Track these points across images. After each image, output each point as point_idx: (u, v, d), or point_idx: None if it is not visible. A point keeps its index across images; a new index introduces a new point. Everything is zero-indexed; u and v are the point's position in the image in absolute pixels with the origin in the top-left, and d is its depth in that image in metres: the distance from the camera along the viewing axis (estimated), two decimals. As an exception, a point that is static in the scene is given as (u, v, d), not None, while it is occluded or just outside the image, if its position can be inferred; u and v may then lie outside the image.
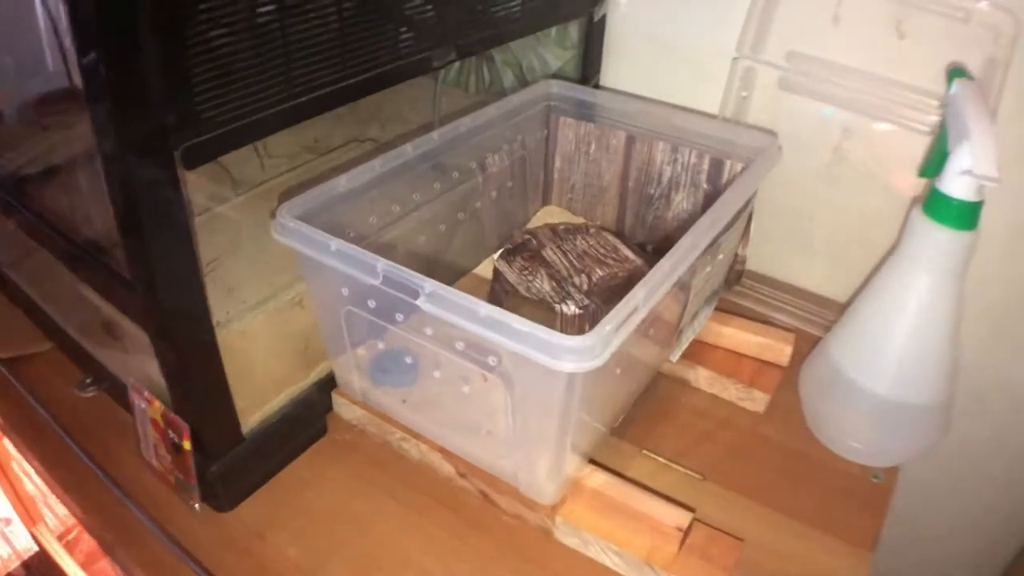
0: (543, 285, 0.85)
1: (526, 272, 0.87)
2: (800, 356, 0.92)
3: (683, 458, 0.82)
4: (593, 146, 1.00)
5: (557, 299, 0.83)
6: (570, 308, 0.82)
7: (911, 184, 0.93)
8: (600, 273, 0.88)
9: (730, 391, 0.90)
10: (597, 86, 1.12)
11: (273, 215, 0.70)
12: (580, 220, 1.06)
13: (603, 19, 1.07)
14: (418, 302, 0.61)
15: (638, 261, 0.90)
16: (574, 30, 1.09)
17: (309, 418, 0.81)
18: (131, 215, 0.59)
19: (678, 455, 0.82)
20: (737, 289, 1.02)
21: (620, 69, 1.12)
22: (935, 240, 0.74)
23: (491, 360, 0.62)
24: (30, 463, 0.85)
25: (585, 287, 0.86)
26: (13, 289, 0.98)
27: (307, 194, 0.72)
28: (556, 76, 1.12)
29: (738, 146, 0.90)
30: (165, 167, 0.58)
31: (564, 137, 1.01)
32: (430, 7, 0.81)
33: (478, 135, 0.90)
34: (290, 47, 0.66)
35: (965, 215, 0.72)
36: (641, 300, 0.61)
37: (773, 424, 0.88)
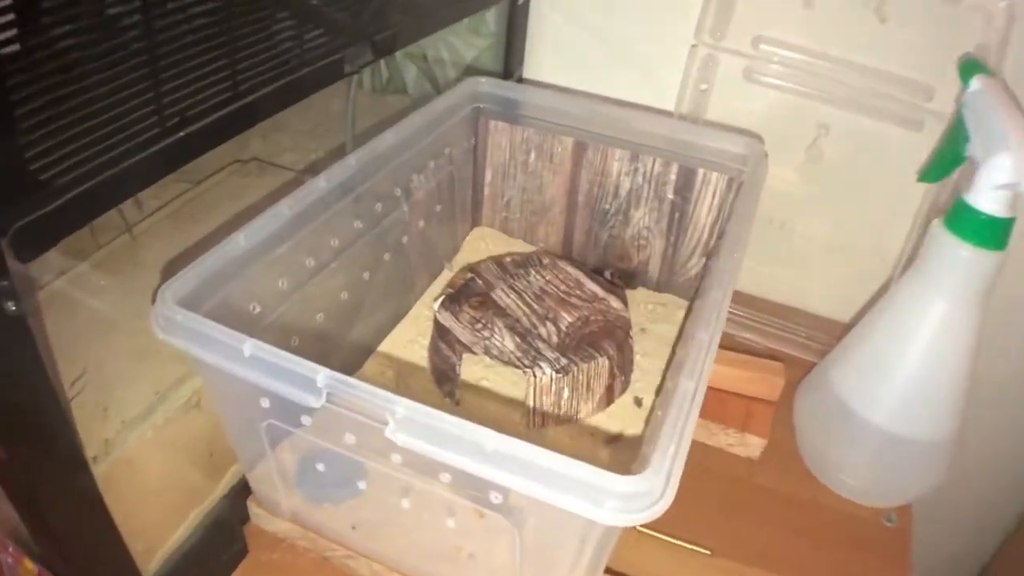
0: (505, 343, 0.68)
1: (479, 326, 0.70)
2: (790, 383, 0.80)
3: (680, 525, 0.68)
4: (532, 155, 0.83)
5: (526, 360, 0.67)
6: (545, 372, 0.66)
7: (900, 186, 0.82)
8: (568, 319, 0.72)
9: (719, 438, 0.77)
10: (520, 81, 0.95)
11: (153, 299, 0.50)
12: (518, 243, 0.89)
13: (527, 1, 0.89)
14: (387, 433, 0.43)
15: (610, 299, 0.74)
16: (491, 15, 0.91)
17: (224, 540, 0.63)
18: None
19: (675, 525, 0.68)
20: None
21: (546, 60, 0.95)
22: (958, 259, 0.64)
23: (494, 497, 0.45)
24: None
25: (555, 339, 0.70)
26: None
27: (195, 266, 0.53)
28: (472, 70, 0.94)
29: (712, 152, 0.76)
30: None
31: (496, 145, 0.84)
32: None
33: (402, 153, 0.72)
34: (159, 59, 0.47)
35: (995, 233, 0.62)
36: (691, 394, 0.45)
37: (771, 470, 0.77)
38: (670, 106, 0.88)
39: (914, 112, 0.80)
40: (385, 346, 0.76)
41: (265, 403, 0.50)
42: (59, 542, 0.49)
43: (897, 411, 0.69)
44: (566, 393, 0.67)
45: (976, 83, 0.68)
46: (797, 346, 0.88)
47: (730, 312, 0.89)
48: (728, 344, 0.87)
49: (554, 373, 0.66)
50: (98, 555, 0.51)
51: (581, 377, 0.67)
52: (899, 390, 0.69)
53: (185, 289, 0.51)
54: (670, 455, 0.42)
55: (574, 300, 0.74)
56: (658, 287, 0.85)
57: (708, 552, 0.67)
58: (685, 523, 0.68)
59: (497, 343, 0.68)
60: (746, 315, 0.90)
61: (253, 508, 0.64)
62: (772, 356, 0.83)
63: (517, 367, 0.66)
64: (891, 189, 0.83)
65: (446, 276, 0.84)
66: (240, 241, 0.56)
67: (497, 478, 0.41)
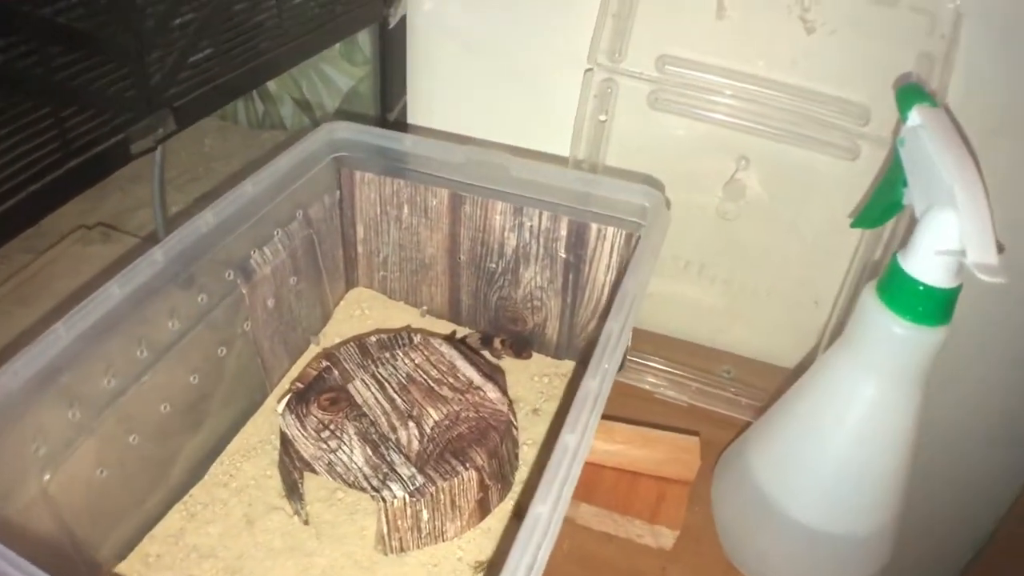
0: (353, 456, 0.58)
1: (327, 434, 0.59)
2: (716, 446, 0.70)
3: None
4: (405, 209, 0.72)
5: (375, 481, 0.56)
6: (396, 495, 0.55)
7: (834, 224, 0.71)
8: (435, 417, 0.61)
9: (626, 528, 0.66)
10: (403, 120, 0.83)
11: None
12: (399, 306, 0.78)
13: (403, 24, 0.77)
14: None
15: (486, 388, 0.63)
16: (366, 40, 0.79)
17: None
18: None
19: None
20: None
21: (432, 90, 0.84)
22: (892, 336, 0.52)
23: None
24: None
25: (416, 445, 0.59)
26: None
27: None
28: (343, 110, 0.83)
29: (606, 203, 0.65)
30: None
31: (364, 198, 0.73)
32: (117, 69, 0.51)
33: (233, 230, 0.61)
34: None
35: (936, 307, 0.51)
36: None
37: (685, 563, 0.66)
38: (567, 141, 0.76)
39: (848, 139, 0.69)
40: (232, 449, 0.65)
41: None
42: None
43: (822, 507, 0.58)
44: (425, 515, 0.56)
45: (915, 116, 0.56)
46: (724, 402, 0.77)
47: (648, 365, 0.79)
48: (645, 401, 0.76)
49: (407, 496, 0.55)
50: None
51: (442, 496, 0.56)
52: (823, 484, 0.58)
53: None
54: None
55: (445, 390, 0.63)
56: (558, 352, 0.74)
57: None
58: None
59: (344, 457, 0.58)
60: (665, 367, 0.79)
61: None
62: (694, 417, 0.73)
63: (363, 489, 0.56)
64: (824, 228, 0.72)
65: (313, 352, 0.73)
66: (17, 367, 0.46)
67: None
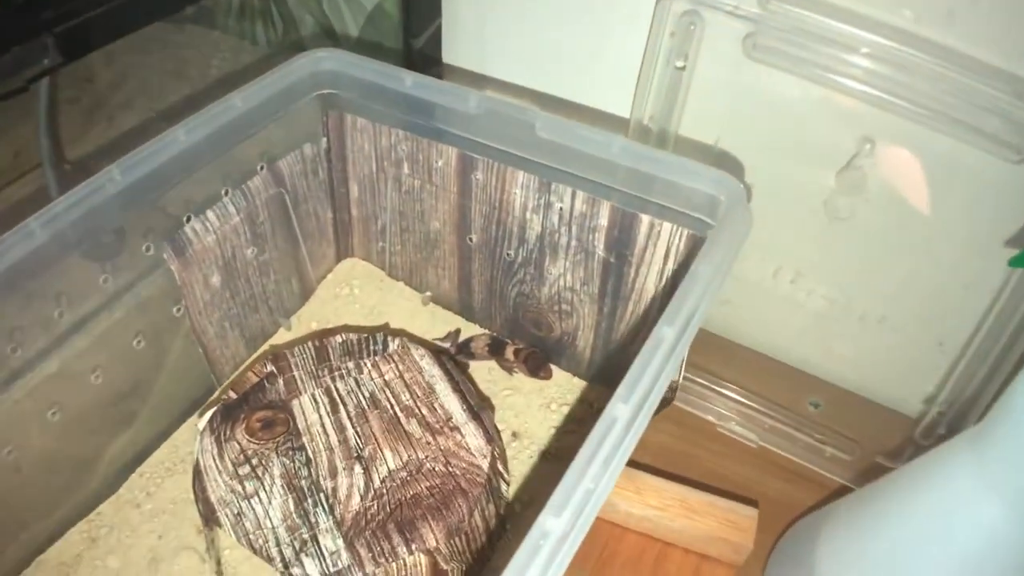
0: (270, 509, 0.43)
1: (246, 470, 0.45)
2: (777, 509, 0.54)
3: None
4: (405, 167, 0.56)
5: (291, 548, 0.42)
6: (310, 571, 0.41)
7: (979, 244, 0.51)
8: (391, 464, 0.46)
9: (646, 620, 0.51)
10: (437, 56, 0.66)
11: None
12: (398, 287, 0.62)
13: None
14: None
15: (466, 431, 0.47)
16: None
17: None
18: None
19: None
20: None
21: (469, 17, 0.65)
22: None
23: None
24: None
25: (355, 503, 0.44)
26: None
27: None
28: (363, 40, 0.66)
29: (665, 187, 0.47)
30: None
31: (357, 149, 0.57)
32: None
33: (154, 190, 0.46)
34: None
35: None
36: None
37: None
38: (627, 94, 0.57)
39: (1014, 131, 0.48)
40: (156, 460, 0.52)
41: None
42: None
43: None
44: (350, 606, 0.42)
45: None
46: (803, 449, 0.59)
47: (712, 388, 0.61)
48: (701, 434, 0.59)
49: (321, 580, 0.41)
50: None
51: (375, 583, 0.42)
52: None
53: None
54: None
55: (413, 425, 0.48)
56: (589, 372, 0.58)
57: None
58: None
59: (258, 508, 0.43)
60: (734, 393, 0.61)
61: None
62: (761, 462, 0.57)
63: (270, 559, 0.41)
64: (965, 248, 0.52)
65: (284, 338, 0.59)
66: None
67: None
